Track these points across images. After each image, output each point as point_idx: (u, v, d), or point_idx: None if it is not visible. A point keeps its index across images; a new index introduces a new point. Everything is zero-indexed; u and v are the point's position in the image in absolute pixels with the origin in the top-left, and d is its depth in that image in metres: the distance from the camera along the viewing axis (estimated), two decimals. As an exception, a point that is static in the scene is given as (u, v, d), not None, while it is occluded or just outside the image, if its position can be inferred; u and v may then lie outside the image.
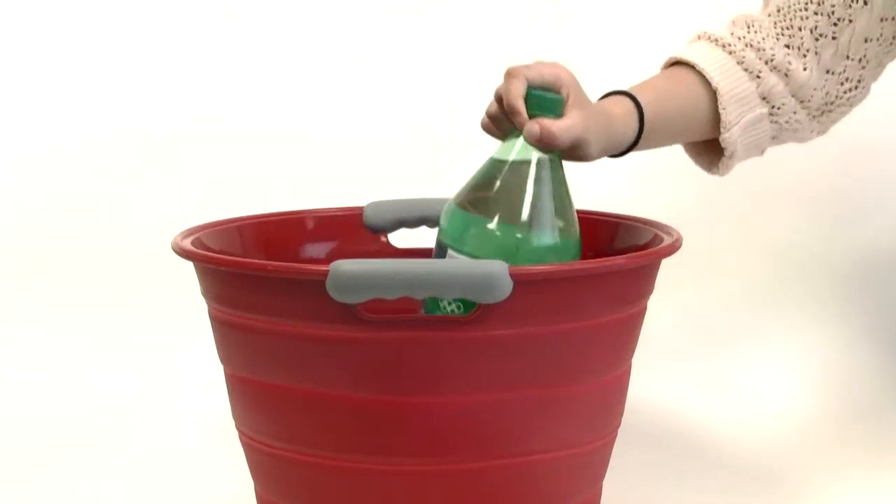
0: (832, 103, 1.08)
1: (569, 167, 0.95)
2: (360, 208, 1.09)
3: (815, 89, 1.06)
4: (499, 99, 0.94)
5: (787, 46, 1.05)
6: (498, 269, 0.80)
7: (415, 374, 0.83)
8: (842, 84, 1.07)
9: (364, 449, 0.86)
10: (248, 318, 0.87)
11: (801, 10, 1.05)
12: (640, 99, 1.00)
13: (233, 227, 1.03)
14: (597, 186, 0.95)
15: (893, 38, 1.07)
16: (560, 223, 0.92)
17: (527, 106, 0.92)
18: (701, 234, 1.21)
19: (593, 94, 0.99)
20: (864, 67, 1.06)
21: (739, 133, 1.05)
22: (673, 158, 1.16)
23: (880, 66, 1.10)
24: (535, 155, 0.92)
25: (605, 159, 1.01)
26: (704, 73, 1.04)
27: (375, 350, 0.83)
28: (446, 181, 1.45)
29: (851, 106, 1.09)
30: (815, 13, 1.04)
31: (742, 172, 1.14)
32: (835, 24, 1.04)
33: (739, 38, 1.05)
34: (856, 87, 1.07)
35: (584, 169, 0.99)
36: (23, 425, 1.27)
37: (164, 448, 1.21)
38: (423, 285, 0.80)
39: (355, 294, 0.80)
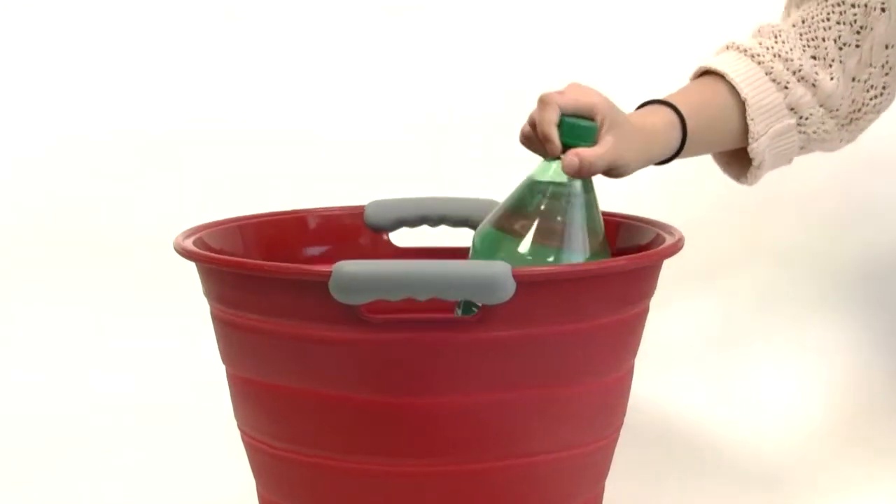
0: (859, 111, 1.08)
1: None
2: (361, 207, 1.09)
3: (842, 98, 1.06)
4: (532, 124, 0.93)
5: (814, 57, 1.05)
6: (501, 270, 0.80)
7: (417, 375, 0.83)
8: (867, 91, 1.07)
9: (366, 449, 0.86)
10: (250, 318, 0.86)
11: (823, 20, 1.05)
12: (681, 109, 1.00)
13: (234, 226, 1.02)
14: (598, 186, 0.95)
15: None
16: (591, 245, 0.92)
17: (560, 133, 0.91)
18: (703, 234, 1.21)
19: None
20: (887, 74, 1.07)
21: (767, 143, 1.05)
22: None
23: None
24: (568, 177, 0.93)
25: None
26: (734, 84, 1.04)
27: (377, 351, 0.83)
28: (446, 181, 1.46)
29: (878, 112, 1.10)
30: (838, 23, 1.05)
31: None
32: (857, 33, 1.05)
33: (767, 49, 1.05)
34: (881, 94, 1.08)
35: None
36: (23, 425, 1.27)
37: (165, 448, 1.21)
38: (426, 287, 0.80)
39: (358, 295, 0.80)
